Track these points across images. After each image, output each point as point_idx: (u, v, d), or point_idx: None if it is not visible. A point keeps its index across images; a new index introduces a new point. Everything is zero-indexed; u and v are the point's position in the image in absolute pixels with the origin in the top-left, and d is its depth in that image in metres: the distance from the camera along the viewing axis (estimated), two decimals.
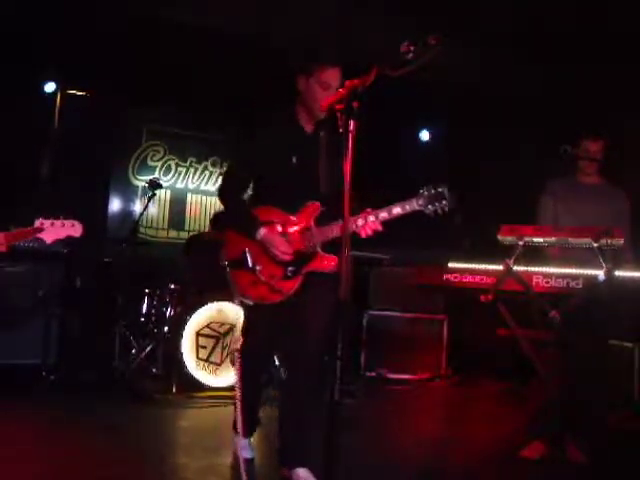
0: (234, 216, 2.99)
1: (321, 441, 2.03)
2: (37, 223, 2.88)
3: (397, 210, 2.68)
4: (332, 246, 2.76)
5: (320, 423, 2.54)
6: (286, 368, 3.27)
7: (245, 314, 3.01)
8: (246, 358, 2.89)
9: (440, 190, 2.65)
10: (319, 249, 2.76)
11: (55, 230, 2.89)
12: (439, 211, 2.65)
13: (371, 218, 2.67)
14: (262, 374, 3.29)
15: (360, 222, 2.68)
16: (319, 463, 2.50)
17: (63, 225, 2.90)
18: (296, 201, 2.80)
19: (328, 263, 2.76)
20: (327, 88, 2.72)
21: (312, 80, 2.77)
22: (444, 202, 2.65)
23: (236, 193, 2.94)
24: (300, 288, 2.79)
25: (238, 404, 2.79)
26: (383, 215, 2.69)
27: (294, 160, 2.83)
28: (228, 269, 2.84)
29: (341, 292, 2.00)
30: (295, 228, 2.80)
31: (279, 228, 2.79)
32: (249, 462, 3.05)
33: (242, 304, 2.90)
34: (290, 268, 2.77)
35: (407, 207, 2.67)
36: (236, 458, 3.05)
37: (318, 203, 2.79)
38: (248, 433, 3.13)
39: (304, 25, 5.50)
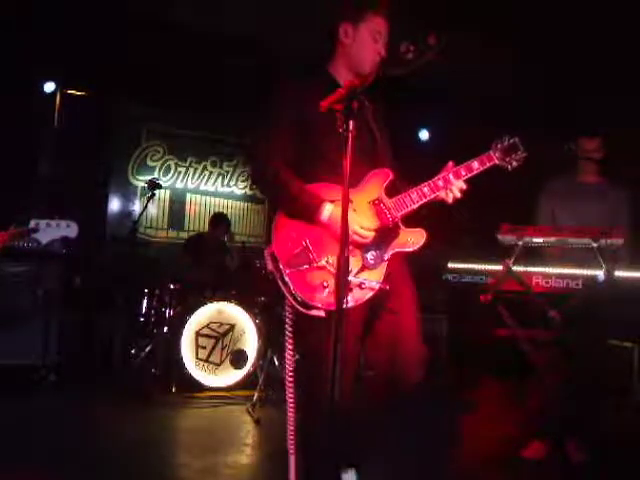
0: (286, 198, 2.22)
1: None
2: (32, 224, 2.87)
3: (476, 165, 2.37)
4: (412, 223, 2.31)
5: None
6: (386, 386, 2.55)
7: (307, 334, 2.24)
8: (314, 379, 2.20)
9: (512, 141, 2.42)
10: (401, 224, 2.28)
11: (50, 231, 2.88)
12: (515, 163, 2.40)
13: (451, 177, 2.30)
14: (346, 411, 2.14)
15: (441, 183, 2.30)
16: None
17: (58, 225, 2.89)
18: (355, 172, 2.05)
19: (417, 239, 2.26)
20: (379, 40, 2.32)
21: (362, 28, 2.33)
22: (519, 153, 2.40)
23: (281, 170, 2.25)
24: (389, 278, 2.21)
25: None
26: (464, 172, 2.35)
27: (341, 130, 2.08)
28: (282, 272, 2.13)
29: (340, 292, 1.96)
30: (361, 204, 2.24)
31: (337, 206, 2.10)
32: None
33: (307, 317, 2.13)
34: (372, 253, 2.21)
35: (486, 161, 2.38)
36: None
37: (387, 169, 2.31)
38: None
39: (304, 25, 5.50)
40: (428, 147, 7.59)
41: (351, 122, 1.94)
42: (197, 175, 7.37)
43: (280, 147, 2.28)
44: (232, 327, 4.78)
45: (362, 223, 2.17)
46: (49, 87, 6.28)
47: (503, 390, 5.39)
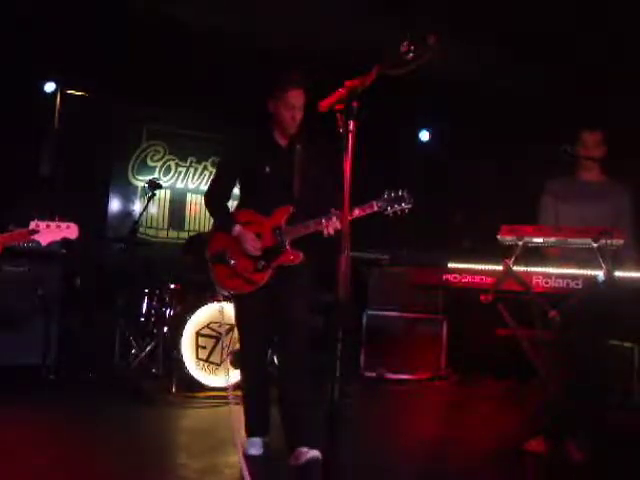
0: (215, 217, 3.38)
1: (317, 421, 2.14)
2: (32, 225, 2.87)
3: (357, 212, 2.99)
4: (303, 243, 3.15)
5: (310, 404, 3.02)
6: (277, 355, 3.61)
7: (234, 311, 3.39)
8: (242, 351, 3.35)
9: (401, 193, 3.00)
10: (287, 246, 3.13)
11: (50, 232, 2.88)
12: (399, 212, 3.00)
13: (334, 219, 2.99)
14: (261, 370, 3.39)
15: (324, 221, 3.03)
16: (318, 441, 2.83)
17: (59, 227, 2.90)
18: (271, 205, 3.18)
19: (294, 258, 3.14)
20: (291, 108, 3.12)
21: (278, 103, 3.16)
22: (404, 204, 2.99)
23: (218, 198, 3.35)
24: (271, 280, 3.14)
25: (238, 401, 3.05)
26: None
27: (267, 170, 3.19)
28: (210, 264, 3.22)
29: (340, 292, 2.00)
30: (267, 227, 3.18)
31: (253, 228, 3.17)
32: (251, 459, 3.15)
33: (223, 296, 3.53)
34: (261, 262, 3.15)
35: (367, 209, 3.01)
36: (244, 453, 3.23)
37: (289, 206, 3.16)
38: (250, 432, 3.30)
39: (304, 25, 5.50)
40: (428, 147, 7.59)
41: (351, 122, 1.98)
42: (197, 175, 7.37)
43: (218, 186, 3.38)
44: (232, 327, 4.77)
45: (253, 242, 3.13)
46: (49, 87, 6.27)
47: (503, 390, 5.39)
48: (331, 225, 3.02)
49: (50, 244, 2.94)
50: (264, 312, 3.22)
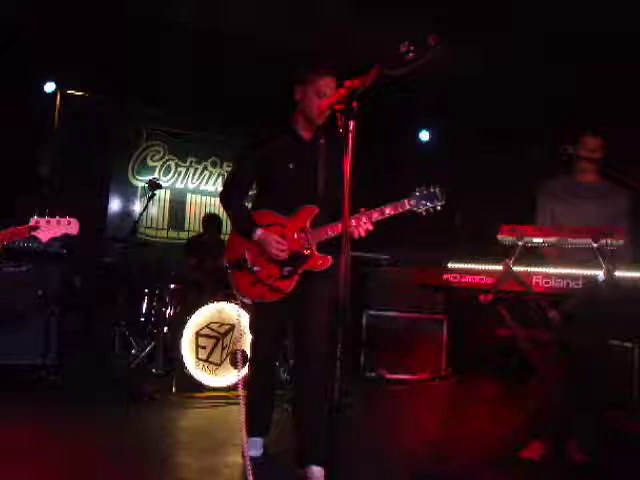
0: (234, 219, 3.12)
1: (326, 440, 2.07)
2: (32, 221, 2.88)
3: (389, 210, 2.81)
4: (329, 247, 2.89)
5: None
6: (296, 367, 3.33)
7: (250, 314, 3.19)
8: (253, 356, 3.13)
9: (432, 190, 2.83)
10: (314, 250, 2.90)
11: (51, 228, 2.88)
12: (431, 210, 2.82)
13: (363, 220, 2.80)
14: (269, 374, 3.27)
15: (354, 222, 2.79)
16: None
17: (59, 223, 2.90)
18: (293, 205, 2.95)
19: (323, 263, 2.89)
20: (323, 96, 2.87)
21: (309, 89, 2.92)
22: (436, 202, 2.82)
23: (236, 198, 3.09)
24: (298, 287, 2.90)
25: (243, 402, 2.97)
26: (375, 215, 2.82)
27: (291, 166, 2.97)
28: (229, 270, 2.97)
29: (340, 292, 2.00)
30: (290, 230, 2.95)
31: (276, 230, 2.93)
32: (254, 460, 3.01)
33: (244, 303, 3.06)
34: (287, 268, 2.91)
35: (399, 207, 2.81)
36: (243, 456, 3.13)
37: (314, 206, 2.93)
38: (252, 432, 3.14)
39: (304, 25, 5.50)
40: (429, 148, 7.59)
41: (351, 122, 1.98)
42: (197, 175, 7.38)
43: (237, 184, 3.11)
44: (232, 327, 4.78)
45: (280, 247, 2.88)
46: (49, 87, 6.28)
47: (503, 390, 5.39)
48: (362, 226, 2.82)
49: (50, 241, 2.94)
50: (282, 318, 3.06)
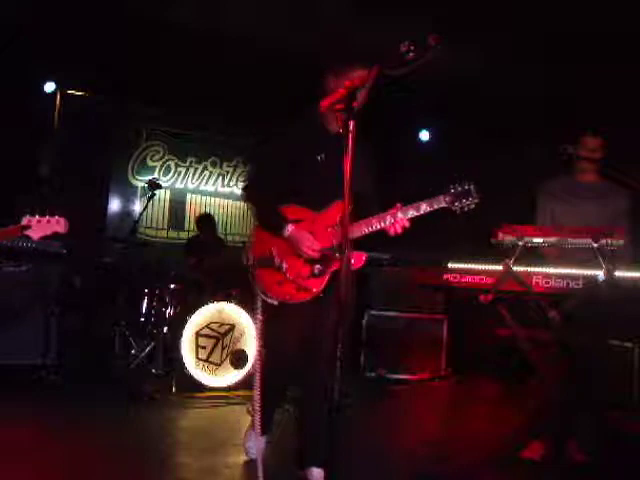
0: (261, 215, 2.96)
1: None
2: (24, 221, 2.94)
3: (425, 207, 2.69)
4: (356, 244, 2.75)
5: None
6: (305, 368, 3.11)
7: (271, 315, 2.90)
8: (272, 359, 2.88)
9: (467, 187, 2.70)
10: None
11: (41, 227, 2.95)
12: (466, 209, 2.70)
13: (399, 215, 2.67)
14: (287, 377, 3.07)
15: (389, 219, 2.68)
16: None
17: (49, 222, 2.96)
18: (323, 200, 2.78)
19: (357, 260, 2.73)
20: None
21: (342, 80, 2.68)
22: (471, 199, 2.69)
23: (263, 191, 2.92)
24: (327, 287, 2.74)
25: (256, 403, 2.81)
26: (411, 212, 2.69)
27: (320, 159, 2.82)
28: (253, 268, 2.81)
29: (342, 293, 2.00)
30: (320, 226, 2.79)
31: (305, 226, 2.78)
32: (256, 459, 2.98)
33: (266, 304, 2.83)
34: (317, 266, 2.75)
35: (434, 204, 2.69)
36: (249, 455, 3.16)
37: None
38: (265, 431, 3.06)
39: (304, 25, 5.50)
40: (429, 148, 7.60)
41: (351, 122, 1.97)
42: (197, 175, 7.38)
43: (264, 177, 2.95)
44: (232, 327, 4.78)
45: (311, 244, 2.74)
46: (49, 87, 6.28)
47: (503, 390, 5.39)
48: (398, 223, 2.68)
49: (41, 239, 2.99)
50: (309, 319, 2.82)
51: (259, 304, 2.85)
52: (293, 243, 2.75)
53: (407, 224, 2.70)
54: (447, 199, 2.69)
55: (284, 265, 2.76)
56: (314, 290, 2.74)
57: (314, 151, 2.81)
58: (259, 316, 2.87)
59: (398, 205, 2.70)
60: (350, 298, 2.55)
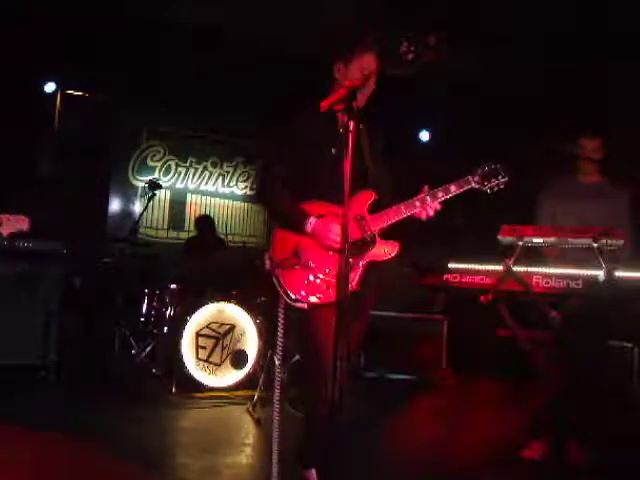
0: (279, 214, 2.72)
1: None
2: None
3: (454, 189, 2.63)
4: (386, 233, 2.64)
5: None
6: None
7: (303, 320, 2.61)
8: (310, 374, 2.63)
9: (494, 167, 2.68)
10: (377, 237, 2.60)
11: (10, 224, 2.99)
12: (495, 188, 2.65)
13: (428, 199, 2.59)
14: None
15: (418, 204, 2.60)
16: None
17: (16, 220, 3.00)
18: (341, 192, 2.50)
19: (390, 249, 2.60)
20: (366, 73, 2.60)
21: (351, 66, 2.68)
22: (500, 178, 2.65)
23: (277, 189, 2.70)
24: (361, 281, 2.55)
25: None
26: (440, 195, 2.62)
27: (333, 151, 2.65)
28: (276, 271, 2.56)
29: (341, 293, 1.99)
30: (350, 217, 2.52)
31: (331, 220, 2.56)
32: None
33: (292, 309, 2.57)
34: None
35: (464, 185, 2.64)
36: None
37: (371, 191, 2.65)
38: (309, 462, 2.72)
39: (304, 25, 5.50)
40: (428, 148, 7.59)
41: (351, 122, 1.95)
42: (197, 175, 7.38)
43: (280, 171, 2.68)
44: (232, 327, 4.78)
45: (337, 234, 2.46)
46: (49, 87, 6.28)
47: (503, 390, 5.39)
48: (430, 207, 2.59)
49: (9, 235, 3.02)
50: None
51: (281, 311, 2.66)
52: (318, 238, 2.55)
53: (439, 207, 2.61)
54: (476, 179, 2.65)
55: (311, 263, 2.54)
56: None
57: (326, 143, 2.63)
58: (281, 322, 2.66)
59: (425, 188, 2.62)
60: (371, 293, 2.67)
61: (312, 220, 2.56)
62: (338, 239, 2.43)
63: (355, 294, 2.45)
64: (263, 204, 2.83)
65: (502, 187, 2.65)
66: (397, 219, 2.59)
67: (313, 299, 2.52)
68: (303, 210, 2.61)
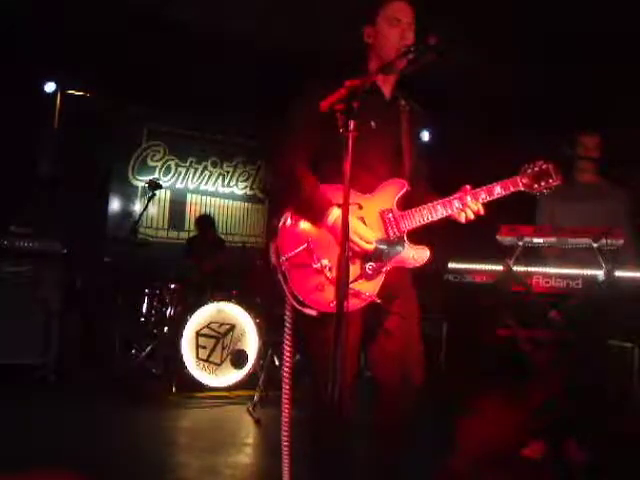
0: (298, 193, 2.15)
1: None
2: None
3: (499, 190, 2.25)
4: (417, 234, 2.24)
5: None
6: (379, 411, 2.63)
7: (311, 330, 2.18)
8: (317, 403, 2.25)
9: (545, 167, 2.30)
10: (406, 239, 2.18)
11: None
12: (545, 191, 2.30)
13: (469, 200, 2.20)
14: (349, 414, 2.34)
15: (456, 204, 2.21)
16: None
17: None
18: (374, 178, 2.18)
19: (420, 256, 2.18)
20: (396, 24, 2.21)
21: (379, 21, 2.26)
22: (551, 180, 2.28)
23: (301, 162, 2.18)
24: (383, 291, 2.13)
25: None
26: (483, 196, 2.24)
27: (373, 125, 2.19)
28: (283, 268, 2.09)
29: (341, 293, 1.96)
30: (372, 211, 2.17)
31: (352, 212, 1.97)
32: None
33: (298, 316, 2.18)
34: (370, 264, 2.11)
35: (510, 186, 2.26)
36: None
37: (403, 180, 2.22)
38: None
39: (304, 25, 5.50)
40: (428, 148, 7.58)
41: (351, 122, 1.87)
42: (197, 175, 7.37)
43: (301, 144, 2.20)
44: (232, 327, 4.78)
45: (364, 234, 2.09)
46: (49, 87, 6.27)
47: (503, 390, 5.38)
48: (471, 209, 2.20)
49: None
50: (357, 333, 2.19)
51: (288, 315, 2.24)
52: (339, 233, 1.93)
53: (482, 211, 2.23)
54: (524, 181, 2.27)
55: (325, 263, 2.07)
56: (366, 295, 2.09)
57: (364, 114, 1.92)
58: (288, 330, 2.26)
59: (466, 188, 2.23)
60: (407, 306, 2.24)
61: (335, 211, 2.07)
62: (363, 240, 2.08)
63: (374, 306, 2.11)
64: (280, 175, 2.30)
65: (551, 188, 2.30)
66: (432, 220, 2.20)
67: (324, 308, 2.05)
68: (326, 197, 2.12)
